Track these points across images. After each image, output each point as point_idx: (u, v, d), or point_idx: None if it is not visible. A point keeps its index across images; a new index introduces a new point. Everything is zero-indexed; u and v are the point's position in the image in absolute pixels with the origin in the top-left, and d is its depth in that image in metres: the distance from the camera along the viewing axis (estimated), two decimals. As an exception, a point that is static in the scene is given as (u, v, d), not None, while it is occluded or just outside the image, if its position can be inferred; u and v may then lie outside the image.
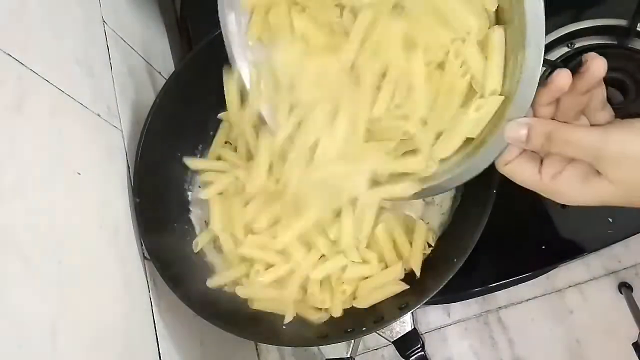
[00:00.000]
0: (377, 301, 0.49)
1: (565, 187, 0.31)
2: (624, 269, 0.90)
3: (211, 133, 0.61)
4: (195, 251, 0.55)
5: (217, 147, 0.60)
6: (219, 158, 0.59)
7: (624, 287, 0.89)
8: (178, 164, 0.57)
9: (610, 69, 0.55)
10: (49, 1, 0.44)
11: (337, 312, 0.49)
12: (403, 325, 0.49)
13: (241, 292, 0.51)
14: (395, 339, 0.49)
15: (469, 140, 0.37)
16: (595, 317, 0.89)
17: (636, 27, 0.59)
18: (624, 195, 0.29)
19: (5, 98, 0.35)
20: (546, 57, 0.60)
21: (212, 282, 0.52)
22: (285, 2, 0.42)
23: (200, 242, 0.54)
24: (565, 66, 0.58)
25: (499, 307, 0.91)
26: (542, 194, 0.32)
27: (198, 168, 0.58)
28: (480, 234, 0.45)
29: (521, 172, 0.32)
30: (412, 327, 0.49)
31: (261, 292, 0.51)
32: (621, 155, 0.28)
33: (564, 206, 0.56)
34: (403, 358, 0.49)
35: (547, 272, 0.74)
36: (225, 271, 0.53)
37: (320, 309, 0.50)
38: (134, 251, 0.47)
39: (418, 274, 0.49)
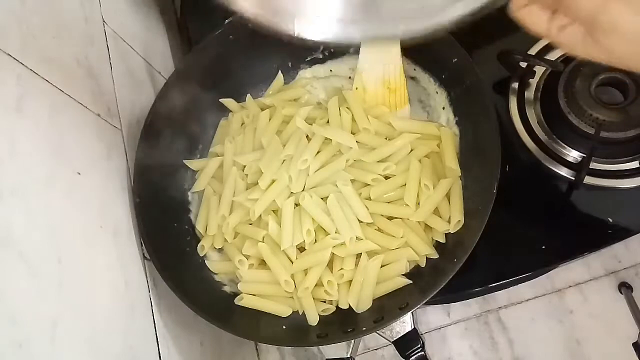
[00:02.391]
0: (380, 295, 0.49)
1: (568, 42, 0.32)
2: (624, 269, 0.90)
3: (211, 133, 0.61)
4: (202, 255, 0.55)
5: (216, 146, 0.60)
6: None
7: (624, 287, 0.89)
8: (178, 164, 0.58)
9: (610, 69, 0.56)
10: (49, 1, 0.44)
11: (344, 303, 0.49)
12: (403, 325, 0.49)
13: (242, 286, 0.52)
14: (395, 339, 0.49)
15: None
16: (595, 317, 0.89)
17: (636, 27, 0.59)
18: (617, 63, 0.31)
19: (5, 98, 0.35)
20: (546, 57, 0.60)
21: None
22: None
23: (205, 246, 0.54)
24: (565, 67, 0.58)
25: (499, 307, 0.91)
26: (550, 42, 0.34)
27: (198, 168, 0.58)
28: (480, 234, 0.45)
29: (532, 20, 0.33)
30: (412, 327, 0.49)
31: (258, 287, 0.51)
32: (612, 28, 0.29)
33: (564, 206, 0.57)
34: (403, 358, 0.49)
35: (547, 272, 0.74)
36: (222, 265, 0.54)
37: (324, 301, 0.51)
38: (134, 251, 0.47)
39: (463, 220, 0.49)
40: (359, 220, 0.51)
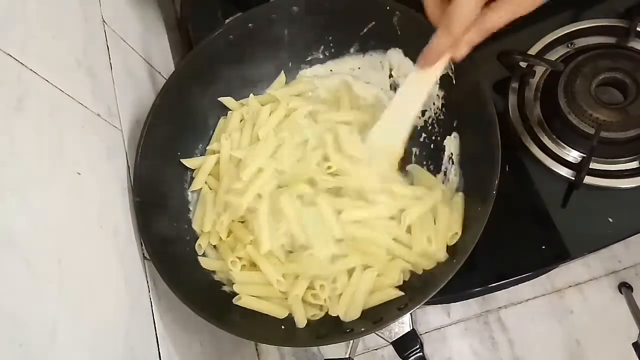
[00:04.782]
0: (372, 305, 0.49)
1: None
2: (624, 269, 0.90)
3: (211, 133, 0.61)
4: (200, 253, 0.55)
5: (213, 144, 0.60)
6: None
7: (624, 287, 0.89)
8: (178, 164, 0.58)
9: (610, 69, 0.57)
10: (49, 1, 0.44)
11: (334, 311, 0.49)
12: (402, 325, 0.49)
13: (237, 288, 0.51)
14: (394, 339, 0.49)
15: None
16: (595, 317, 0.89)
17: (636, 27, 0.59)
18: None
19: (5, 98, 0.35)
20: (546, 57, 0.60)
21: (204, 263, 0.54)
22: None
23: (202, 245, 0.54)
24: (565, 67, 0.58)
25: (499, 307, 0.92)
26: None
27: (195, 166, 0.58)
28: (480, 234, 0.45)
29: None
30: (411, 328, 0.49)
31: (253, 289, 0.51)
32: None
33: (564, 206, 0.57)
34: (402, 359, 0.49)
35: (547, 272, 0.74)
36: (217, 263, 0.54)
37: (315, 305, 0.50)
38: (134, 251, 0.47)
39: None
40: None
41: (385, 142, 0.52)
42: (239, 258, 0.52)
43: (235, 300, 0.50)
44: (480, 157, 0.50)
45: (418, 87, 0.49)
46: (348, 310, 0.49)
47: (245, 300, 0.50)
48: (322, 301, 0.49)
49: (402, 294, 0.48)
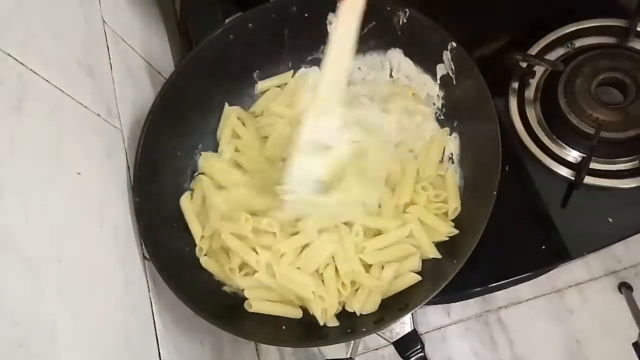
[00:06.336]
0: (391, 294, 0.49)
1: None
2: (624, 269, 0.90)
3: (211, 132, 0.61)
4: (202, 255, 0.54)
5: (224, 144, 0.60)
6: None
7: (624, 287, 0.89)
8: (178, 164, 0.58)
9: (610, 69, 0.57)
10: (49, 1, 0.44)
11: (350, 306, 0.49)
12: (403, 326, 0.49)
13: (247, 293, 0.51)
14: (395, 339, 0.49)
15: None
16: (595, 317, 0.89)
17: (636, 27, 0.59)
18: None
19: (5, 98, 0.35)
20: (546, 57, 0.60)
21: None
22: None
23: (203, 247, 0.54)
24: (565, 67, 0.58)
25: (499, 307, 0.92)
26: None
27: (212, 168, 0.58)
28: (480, 234, 0.45)
29: None
30: (412, 328, 0.49)
31: (262, 292, 0.51)
32: None
33: (564, 206, 0.57)
34: (403, 359, 0.49)
35: (547, 272, 0.74)
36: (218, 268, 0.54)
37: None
38: (134, 251, 0.47)
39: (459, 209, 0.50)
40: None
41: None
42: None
43: (247, 307, 0.50)
44: (481, 157, 0.51)
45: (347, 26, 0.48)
46: (365, 304, 0.49)
47: (257, 305, 0.50)
48: (341, 295, 0.49)
49: (420, 278, 0.49)
